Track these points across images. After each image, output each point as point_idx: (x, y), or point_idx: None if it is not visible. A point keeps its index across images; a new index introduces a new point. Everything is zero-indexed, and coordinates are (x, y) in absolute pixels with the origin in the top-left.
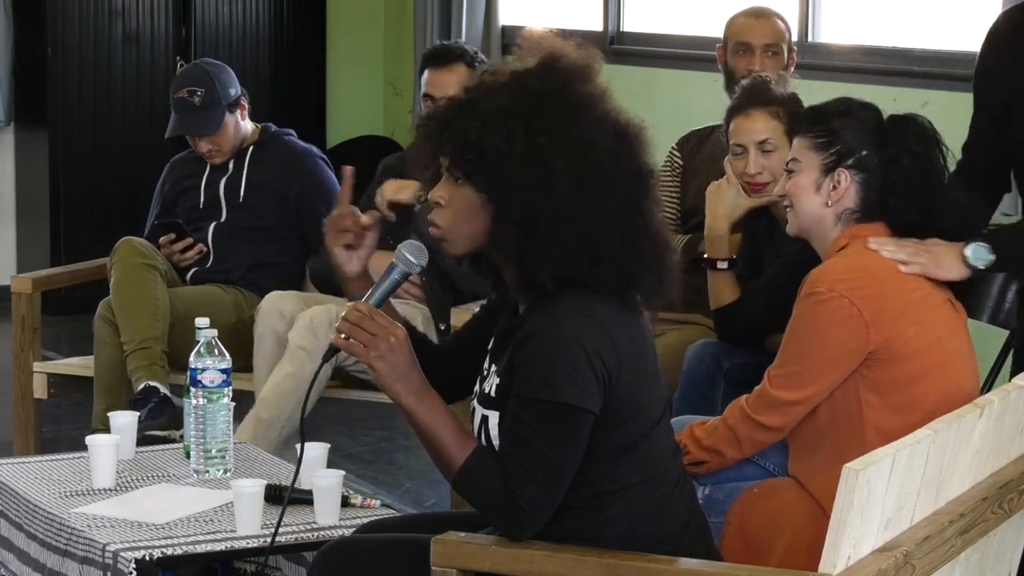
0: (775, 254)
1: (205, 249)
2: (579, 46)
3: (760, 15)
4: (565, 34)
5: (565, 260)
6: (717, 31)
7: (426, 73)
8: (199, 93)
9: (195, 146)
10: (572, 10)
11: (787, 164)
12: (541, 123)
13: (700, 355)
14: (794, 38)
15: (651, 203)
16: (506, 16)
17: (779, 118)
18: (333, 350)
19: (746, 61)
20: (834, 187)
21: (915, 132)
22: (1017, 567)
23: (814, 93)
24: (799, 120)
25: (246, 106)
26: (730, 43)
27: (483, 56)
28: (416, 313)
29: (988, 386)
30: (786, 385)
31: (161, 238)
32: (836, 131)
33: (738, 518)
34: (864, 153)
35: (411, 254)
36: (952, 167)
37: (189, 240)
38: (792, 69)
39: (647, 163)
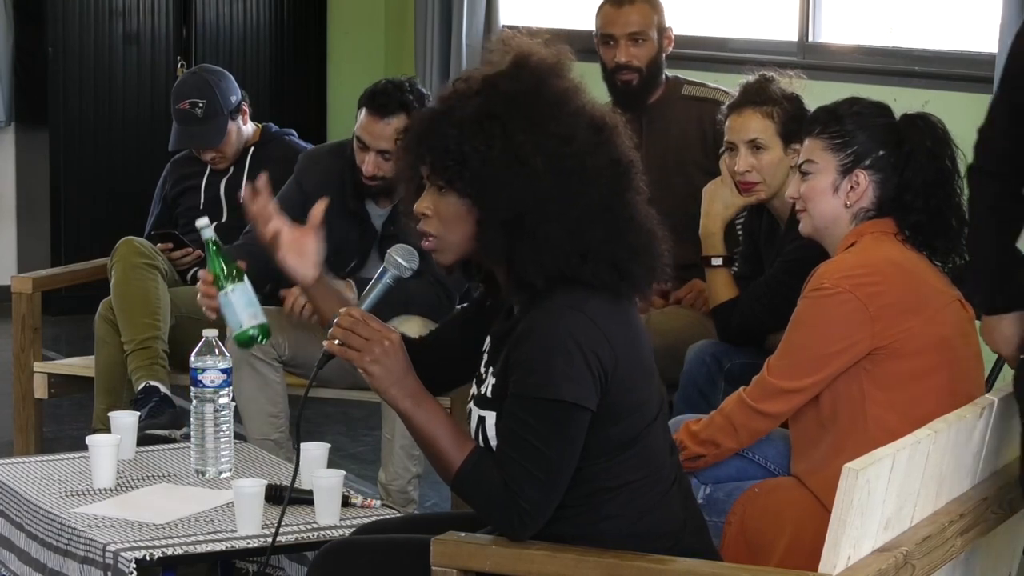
0: (775, 254)
1: (202, 255)
2: (547, 43)
3: (622, 2)
4: (533, 32)
5: (553, 258)
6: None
7: (363, 114)
8: (200, 104)
9: (198, 154)
10: (572, 10)
11: (800, 166)
12: (517, 123)
13: (700, 355)
14: (793, 38)
15: (634, 194)
16: (507, 16)
17: (772, 118)
18: (327, 356)
19: (612, 52)
20: (852, 188)
21: (930, 130)
22: (1017, 567)
23: (815, 93)
24: (811, 121)
25: (247, 110)
26: (597, 34)
27: (430, 98)
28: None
29: (989, 386)
30: (786, 374)
31: (158, 245)
32: (851, 132)
33: (739, 518)
34: (881, 153)
35: (402, 258)
36: (963, 168)
37: (188, 249)
38: (670, 49)
39: (626, 154)
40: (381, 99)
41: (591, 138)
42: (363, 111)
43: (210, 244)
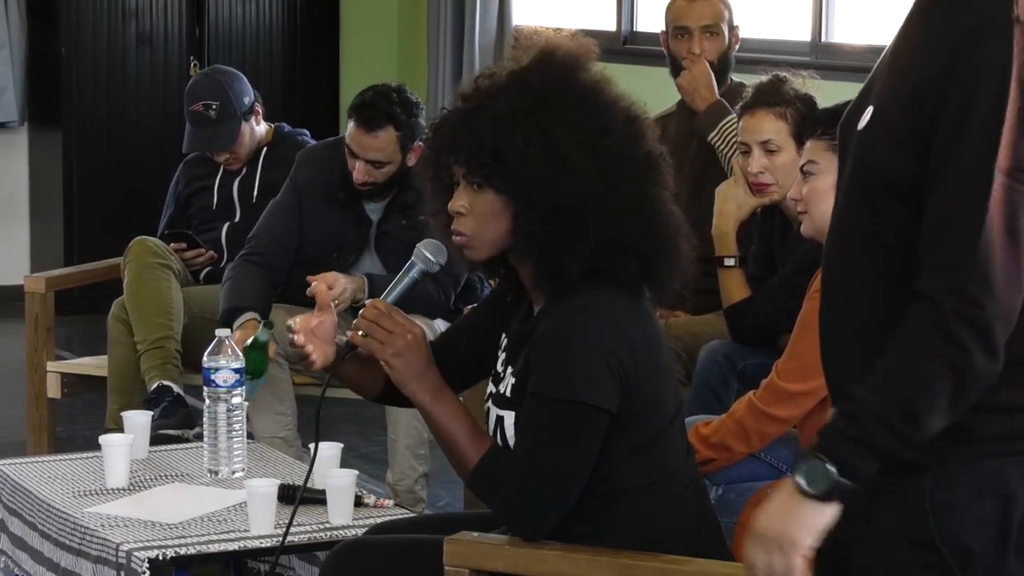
0: (787, 254)
1: (215, 256)
2: (572, 37)
3: None
4: (559, 31)
5: (588, 250)
6: None
7: (351, 127)
8: (214, 107)
9: (212, 155)
10: (586, 10)
11: (803, 167)
12: (552, 117)
13: (713, 356)
14: (806, 38)
15: (662, 188)
16: (519, 16)
17: (785, 119)
18: (350, 347)
19: (685, 44)
20: None
21: None
22: None
23: (828, 93)
24: (812, 122)
25: (260, 111)
26: (669, 28)
27: (420, 106)
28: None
29: None
30: (794, 377)
31: (171, 245)
32: None
33: (750, 518)
34: None
35: (430, 252)
36: None
37: (200, 249)
38: (737, 47)
39: (656, 147)
40: (368, 112)
41: (627, 130)
42: (351, 124)
43: (262, 346)
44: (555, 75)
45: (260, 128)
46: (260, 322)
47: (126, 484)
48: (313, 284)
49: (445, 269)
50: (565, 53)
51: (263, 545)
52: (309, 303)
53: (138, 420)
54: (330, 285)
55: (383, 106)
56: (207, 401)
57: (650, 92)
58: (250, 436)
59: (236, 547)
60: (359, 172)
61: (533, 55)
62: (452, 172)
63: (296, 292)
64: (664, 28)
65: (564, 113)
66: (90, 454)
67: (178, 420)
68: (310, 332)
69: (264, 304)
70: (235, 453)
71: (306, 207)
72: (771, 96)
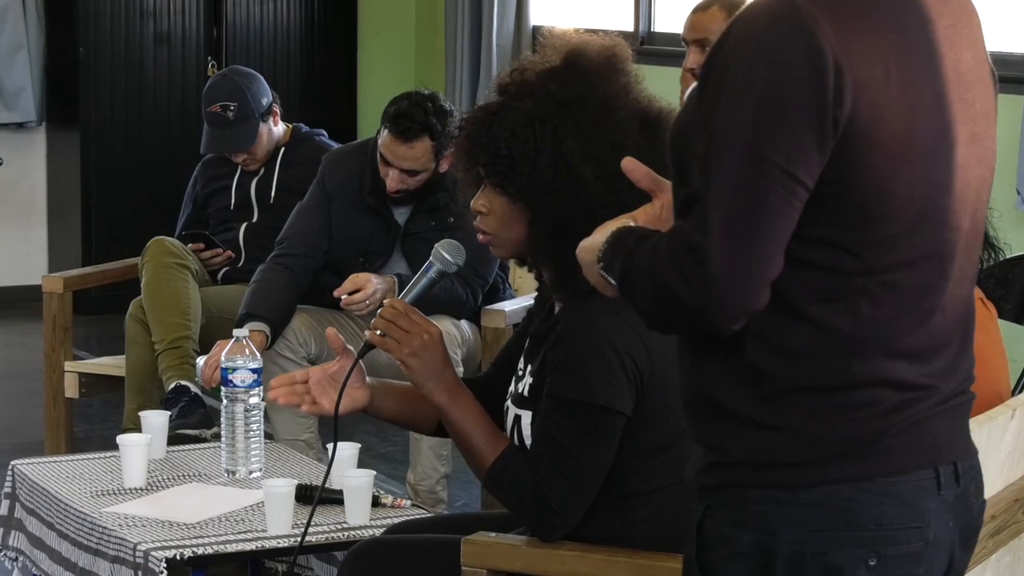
0: None
1: (233, 256)
2: (603, 37)
3: (696, 8)
4: (590, 32)
5: None
6: None
7: (386, 135)
8: (232, 108)
9: (230, 155)
10: (603, 10)
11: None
12: (567, 128)
13: None
14: None
15: None
16: (537, 16)
17: None
18: (368, 346)
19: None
20: None
21: None
22: None
23: None
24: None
25: (278, 112)
26: None
27: (453, 113)
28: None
29: (1021, 387)
30: None
31: (189, 245)
32: None
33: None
34: None
35: (448, 253)
36: None
37: (218, 250)
38: None
39: None
40: (404, 123)
41: (642, 142)
42: (386, 132)
43: None
44: (575, 83)
45: (278, 129)
46: (267, 335)
47: (143, 484)
48: (330, 329)
49: (474, 270)
50: (590, 60)
51: (280, 545)
52: (332, 305)
53: (156, 420)
54: (361, 286)
55: (419, 116)
56: (224, 401)
57: (667, 93)
58: (268, 436)
59: (253, 547)
60: (393, 180)
61: (561, 56)
62: (479, 169)
63: (320, 294)
64: None
65: (579, 125)
66: (107, 454)
67: (196, 420)
68: (328, 377)
69: (280, 314)
70: (252, 453)
71: (335, 211)
72: None
